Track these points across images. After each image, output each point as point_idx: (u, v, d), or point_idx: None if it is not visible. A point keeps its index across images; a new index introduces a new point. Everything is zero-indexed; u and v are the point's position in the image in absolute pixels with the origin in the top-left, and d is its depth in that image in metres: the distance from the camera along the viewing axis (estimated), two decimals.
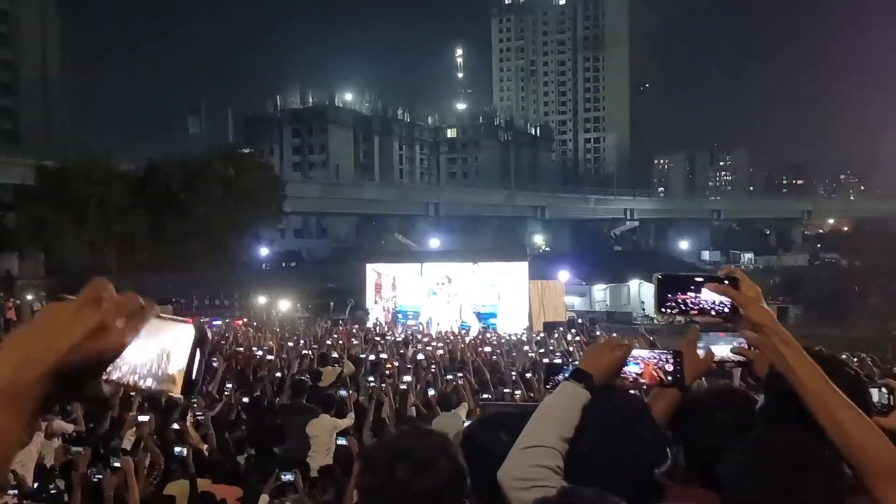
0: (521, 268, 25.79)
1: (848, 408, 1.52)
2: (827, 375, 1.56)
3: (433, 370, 11.41)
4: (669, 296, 1.63)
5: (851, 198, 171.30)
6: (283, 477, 6.21)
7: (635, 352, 1.94)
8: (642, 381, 1.95)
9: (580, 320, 26.84)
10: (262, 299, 32.49)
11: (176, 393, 0.95)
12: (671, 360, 1.96)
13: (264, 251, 59.53)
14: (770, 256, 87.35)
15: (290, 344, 16.06)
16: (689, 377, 2.18)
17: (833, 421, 1.50)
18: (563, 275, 40.16)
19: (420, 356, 13.78)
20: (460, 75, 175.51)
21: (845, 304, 40.48)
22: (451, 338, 19.45)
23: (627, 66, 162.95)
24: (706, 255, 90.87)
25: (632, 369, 1.92)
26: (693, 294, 1.63)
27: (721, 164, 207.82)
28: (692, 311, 1.64)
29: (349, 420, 8.31)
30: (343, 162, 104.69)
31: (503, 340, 17.77)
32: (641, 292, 44.90)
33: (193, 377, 0.95)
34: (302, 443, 8.11)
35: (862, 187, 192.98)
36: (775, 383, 1.98)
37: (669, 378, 1.97)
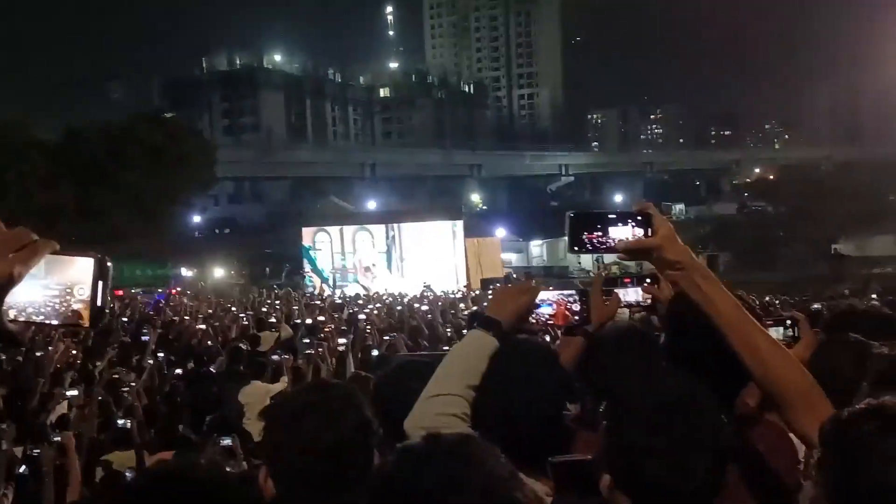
0: (457, 226, 25.85)
1: (765, 337, 1.55)
2: None
3: (368, 331, 11.41)
4: (583, 235, 1.60)
5: (777, 147, 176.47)
6: (220, 442, 6.16)
7: (544, 294, 1.96)
8: (552, 322, 1.99)
9: (515, 275, 27.16)
10: (195, 268, 31.86)
11: (85, 324, 0.96)
12: (577, 300, 2.02)
13: (197, 219, 58.20)
14: (701, 206, 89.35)
15: (223, 311, 15.83)
16: (595, 322, 2.23)
17: (752, 351, 1.52)
18: (500, 232, 40.55)
19: (361, 316, 13.76)
20: (391, 33, 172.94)
21: (771, 249, 41.95)
22: (390, 299, 19.49)
23: (559, 20, 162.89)
24: None
25: (544, 311, 1.96)
26: (607, 232, 1.60)
27: (652, 117, 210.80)
28: (609, 248, 1.61)
29: (282, 384, 8.27)
30: (275, 125, 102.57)
31: (440, 299, 17.87)
32: None
33: (99, 305, 0.97)
34: (238, 411, 8.05)
35: (787, 136, 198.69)
36: (674, 322, 2.06)
37: (577, 317, 2.02)
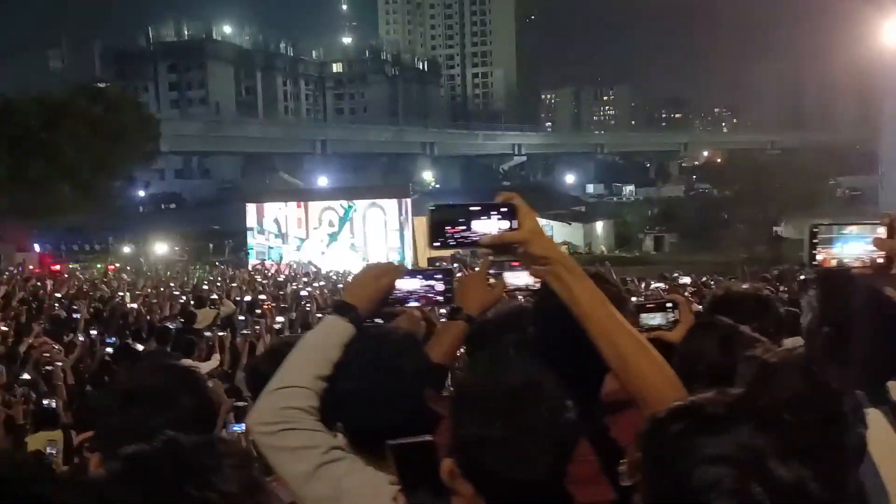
0: (406, 205, 25.69)
1: (629, 337, 1.48)
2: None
3: (309, 308, 11.25)
4: (446, 229, 1.48)
5: (724, 130, 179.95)
6: None
7: (409, 284, 1.89)
8: (415, 303, 1.93)
9: (461, 253, 27.16)
10: (137, 244, 31.15)
11: None
12: (442, 280, 1.95)
13: (141, 193, 56.89)
14: (650, 188, 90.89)
15: (162, 288, 15.46)
16: (478, 306, 2.15)
17: (615, 350, 1.46)
18: None
19: (304, 293, 13.57)
20: (344, 7, 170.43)
21: (715, 231, 42.80)
22: (335, 276, 19.31)
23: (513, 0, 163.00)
24: (590, 187, 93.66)
25: (408, 286, 1.89)
26: (470, 226, 1.48)
27: (605, 98, 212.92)
28: (473, 244, 1.50)
29: (214, 362, 8.07)
30: (224, 99, 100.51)
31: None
32: None
33: None
34: None
35: (735, 120, 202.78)
36: (541, 312, 2.00)
37: (440, 298, 1.95)
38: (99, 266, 24.16)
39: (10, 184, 33.26)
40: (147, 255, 29.47)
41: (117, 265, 24.18)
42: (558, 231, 45.32)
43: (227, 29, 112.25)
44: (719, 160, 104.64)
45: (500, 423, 1.29)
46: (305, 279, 18.01)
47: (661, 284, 11.41)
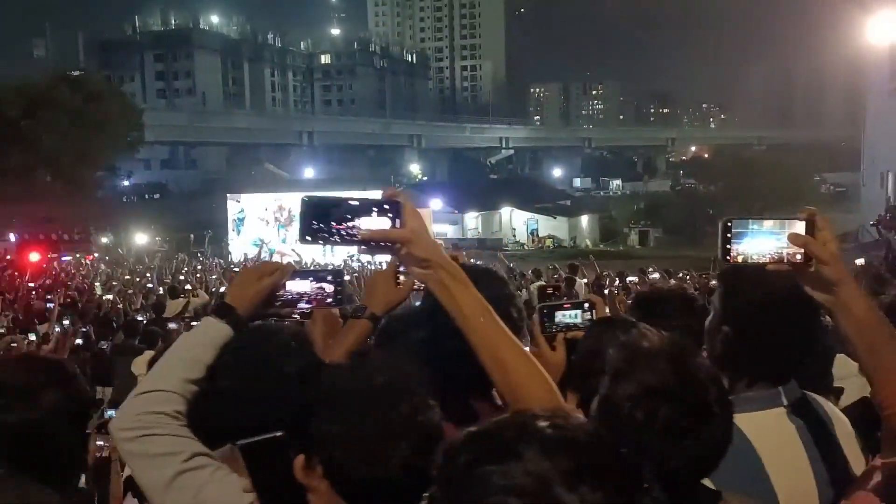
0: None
1: (512, 348, 1.41)
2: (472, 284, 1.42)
3: None
4: (318, 223, 1.37)
5: (712, 126, 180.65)
6: (106, 415, 5.89)
7: (299, 285, 1.80)
8: (306, 305, 1.83)
9: (446, 247, 27.11)
10: (118, 234, 30.88)
11: None
12: (332, 281, 1.86)
13: (126, 183, 56.46)
14: (637, 183, 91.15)
15: (137, 279, 15.32)
16: (383, 305, 2.07)
17: (494, 359, 1.39)
18: (436, 203, 40.48)
19: None
20: None
21: (700, 226, 42.96)
22: (316, 267, 19.13)
23: None
24: (577, 181, 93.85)
25: (298, 287, 1.80)
26: (350, 222, 1.37)
27: (594, 93, 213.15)
28: (349, 243, 1.39)
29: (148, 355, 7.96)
30: (211, 89, 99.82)
31: (364, 269, 17.64)
32: (513, 219, 46.02)
33: None
34: (129, 384, 7.75)
35: (723, 116, 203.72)
36: (429, 312, 1.94)
37: (330, 299, 1.87)
38: (78, 256, 23.89)
39: None
40: (127, 245, 29.20)
41: (95, 255, 23.94)
42: (543, 224, 45.40)
43: (215, 19, 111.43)
44: (706, 155, 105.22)
45: (356, 421, 1.28)
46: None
47: (635, 278, 11.37)
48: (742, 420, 1.63)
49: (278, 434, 1.38)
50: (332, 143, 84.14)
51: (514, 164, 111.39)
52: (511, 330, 1.60)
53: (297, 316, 2.07)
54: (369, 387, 1.32)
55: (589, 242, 45.08)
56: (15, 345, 8.58)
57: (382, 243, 1.37)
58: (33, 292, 14.42)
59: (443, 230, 40.17)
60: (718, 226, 1.48)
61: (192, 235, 30.78)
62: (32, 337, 8.84)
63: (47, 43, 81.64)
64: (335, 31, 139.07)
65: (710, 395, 1.34)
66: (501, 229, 45.51)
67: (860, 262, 11.10)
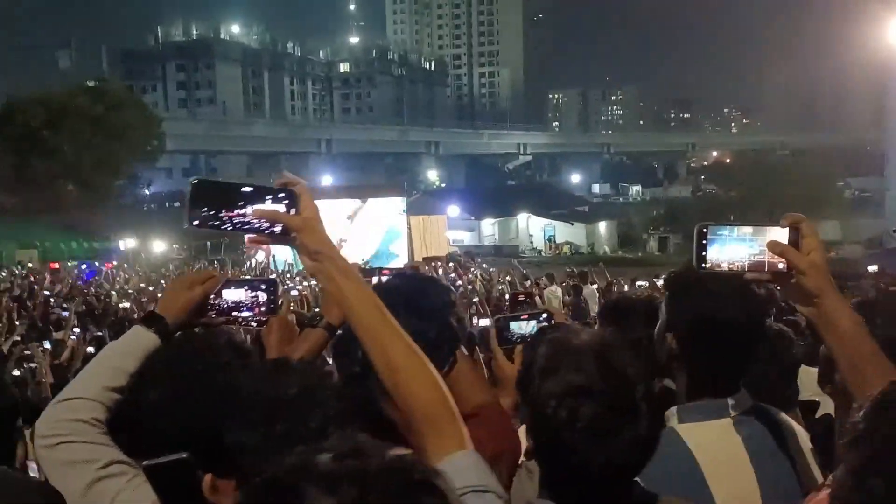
0: (402, 203, 25.62)
1: (403, 347, 1.32)
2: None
3: (293, 308, 11.18)
4: (208, 209, 1.30)
5: (734, 130, 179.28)
6: None
7: (235, 294, 1.79)
8: (244, 313, 1.81)
9: (460, 254, 27.10)
10: (138, 242, 31.21)
11: None
12: (266, 290, 1.85)
13: (147, 192, 57.13)
14: (657, 188, 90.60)
15: (151, 287, 15.44)
16: (339, 315, 2.04)
17: (380, 356, 1.31)
18: (453, 210, 40.43)
19: (293, 293, 13.50)
20: (352, 7, 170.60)
21: None
22: None
23: (521, 0, 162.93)
24: (596, 187, 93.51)
25: (234, 296, 1.79)
26: (242, 209, 1.30)
27: (613, 98, 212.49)
28: (236, 229, 1.33)
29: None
30: (231, 98, 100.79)
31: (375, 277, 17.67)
32: (530, 226, 45.86)
33: None
34: None
35: (745, 120, 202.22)
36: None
37: (263, 308, 1.85)
38: (96, 263, 24.17)
39: (14, 182, 33.52)
40: (146, 252, 29.51)
41: (114, 263, 24.20)
42: (561, 231, 45.19)
43: (235, 29, 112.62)
44: (728, 161, 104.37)
45: (263, 430, 1.26)
46: (298, 276, 17.94)
47: (645, 283, 11.28)
48: (685, 430, 1.64)
49: (184, 455, 1.36)
50: (350, 150, 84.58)
51: (532, 171, 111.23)
52: (450, 337, 1.62)
53: (253, 324, 2.08)
54: (281, 396, 1.30)
55: (607, 249, 44.81)
56: (28, 352, 8.70)
57: (276, 232, 1.31)
58: (51, 300, 14.60)
59: (459, 237, 40.11)
60: (694, 232, 1.41)
61: (208, 243, 31.03)
62: (47, 345, 8.96)
63: (72, 54, 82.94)
64: (354, 40, 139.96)
65: (636, 394, 1.31)
66: (518, 236, 45.35)
67: (873, 268, 10.92)
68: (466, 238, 41.44)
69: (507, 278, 15.70)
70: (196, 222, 1.32)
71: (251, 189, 1.32)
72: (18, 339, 9.39)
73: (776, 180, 49.90)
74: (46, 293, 15.12)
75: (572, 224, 45.75)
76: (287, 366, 1.42)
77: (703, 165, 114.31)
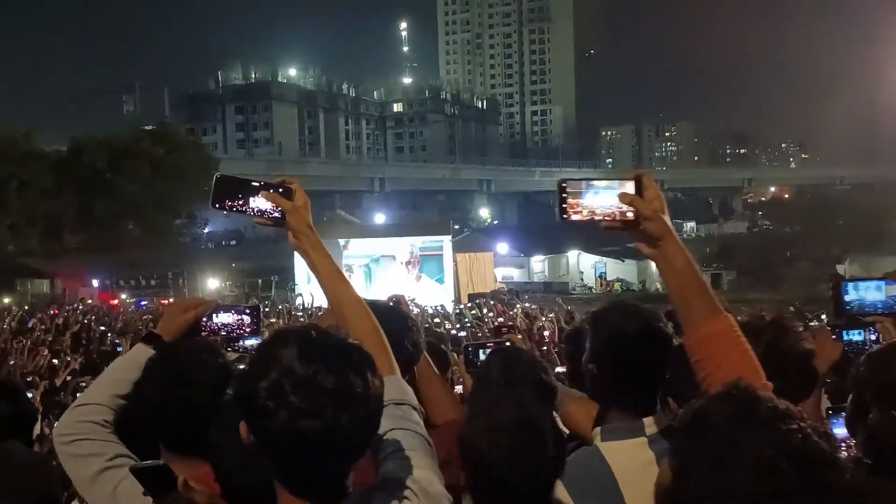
0: (446, 242, 25.91)
1: (350, 300, 1.70)
2: None
3: None
4: (227, 201, 1.70)
5: (792, 165, 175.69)
6: None
7: (222, 318, 2.09)
8: (230, 333, 2.13)
9: (505, 290, 27.11)
10: (191, 280, 32.12)
11: None
12: (250, 314, 2.23)
13: (206, 230, 58.65)
14: (712, 225, 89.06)
15: None
16: None
17: (336, 303, 1.71)
18: (503, 247, 40.51)
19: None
20: (406, 49, 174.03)
21: (776, 269, 41.64)
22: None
23: (573, 38, 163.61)
24: None
25: (223, 320, 2.09)
26: (252, 198, 1.70)
27: (667, 134, 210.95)
28: (248, 214, 1.72)
29: None
30: (287, 138, 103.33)
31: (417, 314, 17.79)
32: (580, 262, 45.57)
33: None
34: None
35: (804, 155, 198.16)
36: None
37: (248, 329, 2.22)
38: (155, 300, 24.92)
39: (78, 221, 34.97)
40: (201, 290, 30.30)
41: (171, 299, 24.86)
42: (612, 268, 44.75)
43: (292, 71, 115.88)
44: (787, 196, 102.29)
45: (233, 432, 1.42)
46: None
47: None
48: (605, 448, 1.87)
49: (160, 462, 1.64)
50: (402, 188, 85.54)
51: None
52: (405, 357, 1.96)
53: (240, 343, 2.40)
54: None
55: (659, 286, 44.15)
56: (84, 384, 9.07)
57: (277, 217, 1.69)
58: (108, 335, 15.11)
59: (509, 273, 40.10)
60: (555, 185, 1.59)
61: (259, 281, 31.76)
62: None
63: (136, 98, 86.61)
64: (407, 80, 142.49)
65: (545, 430, 1.65)
66: (569, 273, 45.10)
67: None
68: (516, 275, 41.41)
69: (551, 315, 15.65)
70: (217, 205, 1.70)
71: (259, 183, 1.70)
72: (77, 369, 9.81)
73: (834, 215, 48.77)
74: (102, 328, 15.68)
75: (623, 261, 45.27)
76: None
77: (760, 201, 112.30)
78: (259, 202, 1.68)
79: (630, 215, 1.53)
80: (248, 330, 2.20)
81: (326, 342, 1.25)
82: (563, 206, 1.54)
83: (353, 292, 1.73)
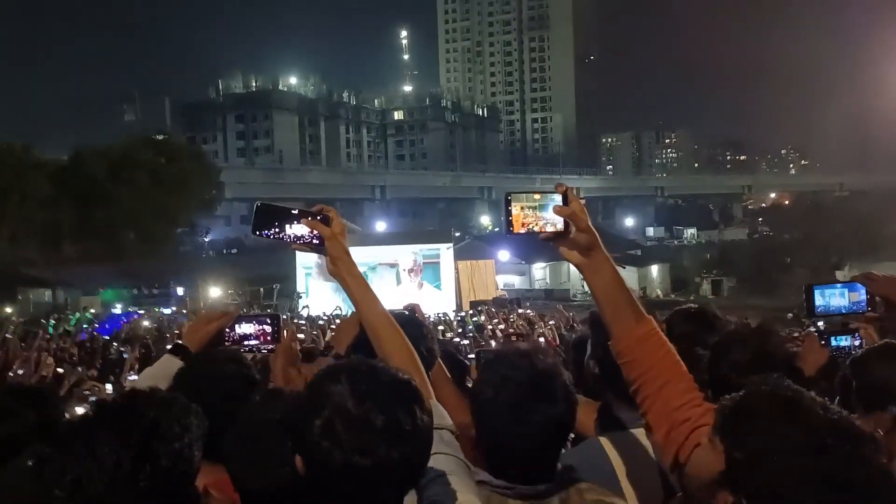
0: (447, 249, 25.96)
1: (385, 324, 1.79)
2: None
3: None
4: (266, 229, 1.79)
5: (792, 172, 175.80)
6: None
7: (245, 327, 2.18)
8: (252, 342, 2.20)
9: (507, 297, 27.16)
10: (192, 288, 32.19)
11: None
12: (271, 324, 2.24)
13: (207, 239, 58.77)
14: (712, 231, 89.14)
15: None
16: (346, 346, 2.38)
17: (373, 332, 1.79)
18: (503, 254, 40.54)
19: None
20: (406, 57, 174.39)
21: (774, 275, 41.70)
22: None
23: (572, 45, 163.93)
24: (650, 231, 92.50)
25: (244, 330, 2.17)
26: (290, 225, 1.78)
27: (667, 141, 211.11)
28: (286, 240, 1.81)
29: None
30: (288, 147, 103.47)
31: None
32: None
33: None
34: None
35: (803, 161, 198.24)
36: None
37: (269, 338, 2.34)
38: (156, 310, 25.06)
39: (77, 231, 35.08)
40: (202, 299, 30.38)
41: (173, 309, 24.99)
42: None
43: (293, 80, 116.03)
44: (787, 202, 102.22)
45: (247, 444, 1.62)
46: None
47: None
48: (605, 439, 2.02)
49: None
50: (403, 196, 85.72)
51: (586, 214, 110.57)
52: (422, 364, 2.01)
53: (265, 350, 2.50)
54: (262, 420, 1.67)
55: (660, 292, 44.22)
56: (87, 392, 9.15)
57: (315, 243, 1.78)
58: (113, 344, 15.21)
59: (510, 281, 40.13)
60: (503, 200, 1.68)
61: (261, 289, 31.83)
62: (109, 387, 9.40)
63: (136, 108, 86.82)
64: (407, 88, 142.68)
65: (555, 383, 1.69)
66: (570, 280, 45.12)
67: None
68: (517, 282, 41.45)
69: (552, 322, 15.72)
70: (257, 233, 1.79)
71: (297, 210, 1.81)
72: (85, 379, 9.87)
73: (832, 222, 48.88)
74: (106, 338, 15.78)
75: (624, 268, 45.28)
76: (277, 394, 1.83)
77: (760, 207, 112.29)
78: (297, 229, 1.77)
79: (560, 227, 1.62)
80: (269, 338, 2.31)
81: (377, 378, 1.31)
82: (509, 219, 1.64)
83: (388, 317, 1.81)
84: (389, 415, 1.26)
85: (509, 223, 1.65)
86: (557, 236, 1.62)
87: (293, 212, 1.79)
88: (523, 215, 1.64)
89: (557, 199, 1.62)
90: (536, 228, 1.63)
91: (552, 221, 1.62)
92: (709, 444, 1.31)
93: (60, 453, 1.29)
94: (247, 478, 1.62)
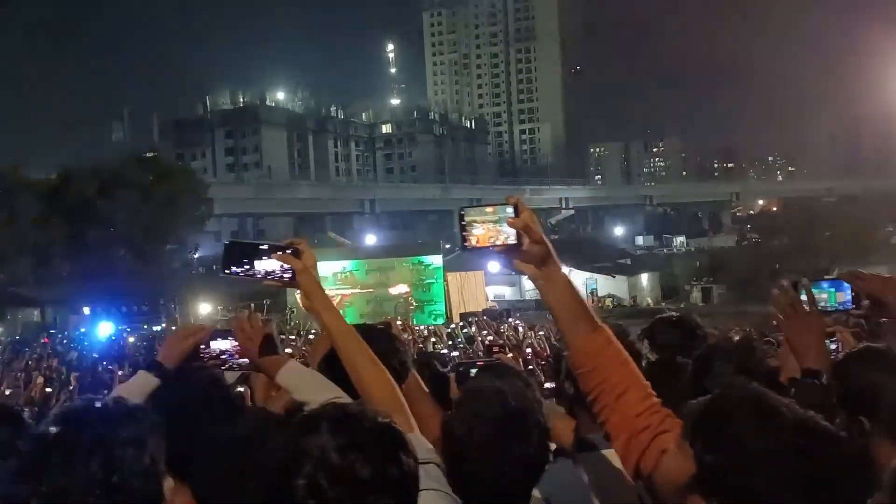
0: (436, 261, 25.97)
1: (363, 358, 1.80)
2: None
3: None
4: (236, 262, 1.81)
5: (779, 178, 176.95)
6: None
7: (221, 344, 2.15)
8: (234, 358, 2.17)
9: (497, 308, 27.17)
10: (182, 305, 32.05)
11: None
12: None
13: (197, 256, 58.43)
14: (701, 239, 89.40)
15: None
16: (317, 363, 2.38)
17: (351, 366, 1.82)
18: (494, 266, 40.55)
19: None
20: (393, 70, 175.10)
21: (764, 282, 41.82)
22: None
23: (559, 56, 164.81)
24: (640, 239, 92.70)
25: (220, 346, 2.15)
26: (259, 261, 1.80)
27: (655, 150, 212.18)
28: (258, 277, 1.83)
29: None
30: (277, 162, 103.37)
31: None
32: (571, 279, 45.63)
33: None
34: None
35: (790, 168, 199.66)
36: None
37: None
38: (145, 326, 24.95)
39: (67, 249, 34.97)
40: (193, 315, 30.25)
41: (164, 326, 24.88)
42: (603, 284, 44.89)
43: (280, 95, 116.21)
44: (775, 209, 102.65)
45: (214, 462, 1.59)
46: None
47: None
48: (581, 459, 2.04)
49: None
50: (393, 209, 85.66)
51: (576, 224, 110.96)
52: (393, 377, 2.02)
53: (238, 364, 2.47)
54: (227, 439, 1.69)
55: (650, 301, 44.35)
56: None
57: (286, 279, 1.79)
58: (103, 362, 15.14)
59: (500, 292, 40.13)
60: (455, 215, 1.71)
61: (252, 305, 31.69)
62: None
63: (125, 125, 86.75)
64: (395, 102, 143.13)
65: (527, 422, 1.71)
66: None
67: None
68: (507, 293, 41.44)
69: (541, 332, 15.74)
70: (227, 272, 1.81)
71: (267, 246, 1.81)
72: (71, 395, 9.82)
73: (821, 227, 49.12)
74: (95, 356, 15.73)
75: (614, 277, 45.46)
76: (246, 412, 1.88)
77: (749, 214, 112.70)
78: (267, 264, 1.78)
79: (513, 239, 1.60)
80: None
81: (359, 426, 1.27)
82: (464, 234, 1.63)
83: (367, 351, 1.81)
84: (375, 465, 1.23)
85: (463, 238, 1.63)
86: (511, 249, 1.61)
87: (262, 247, 1.80)
88: (478, 229, 1.62)
89: (511, 211, 1.61)
90: (490, 242, 1.62)
91: (508, 234, 1.61)
92: (677, 450, 1.30)
93: (20, 471, 1.26)
94: (210, 498, 1.61)
